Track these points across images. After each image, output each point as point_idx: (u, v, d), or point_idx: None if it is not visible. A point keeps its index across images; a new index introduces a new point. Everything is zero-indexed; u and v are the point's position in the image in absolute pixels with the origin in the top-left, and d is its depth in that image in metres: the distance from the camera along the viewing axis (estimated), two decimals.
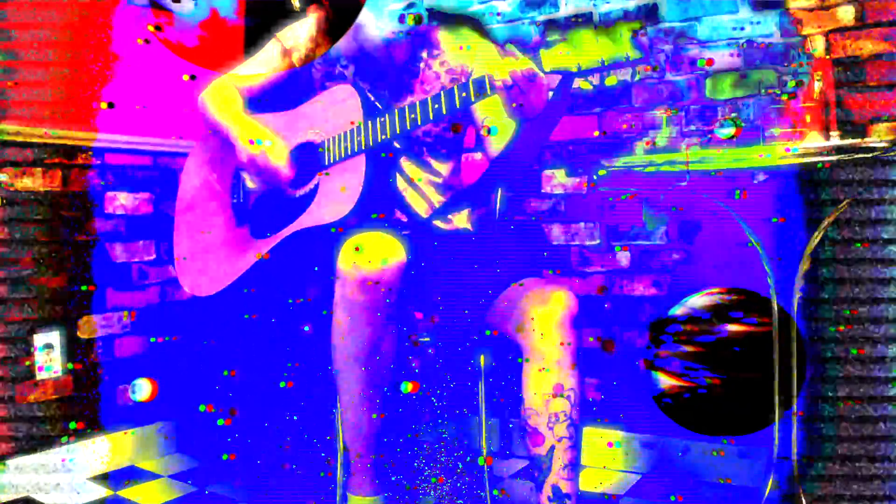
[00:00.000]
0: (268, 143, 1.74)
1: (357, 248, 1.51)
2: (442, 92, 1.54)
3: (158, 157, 2.46)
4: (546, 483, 1.47)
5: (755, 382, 1.72)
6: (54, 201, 2.19)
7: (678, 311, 1.79)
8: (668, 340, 1.76)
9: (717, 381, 1.72)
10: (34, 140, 2.13)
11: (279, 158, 1.73)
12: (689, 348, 1.75)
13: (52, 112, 2.16)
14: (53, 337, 2.18)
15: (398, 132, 1.60)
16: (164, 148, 2.45)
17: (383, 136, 1.61)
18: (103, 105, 2.23)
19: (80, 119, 2.23)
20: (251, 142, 1.79)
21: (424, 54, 1.82)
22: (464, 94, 1.51)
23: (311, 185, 1.72)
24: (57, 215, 2.20)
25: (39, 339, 2.15)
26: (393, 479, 1.73)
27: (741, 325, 1.74)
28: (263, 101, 1.86)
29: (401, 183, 1.78)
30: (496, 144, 1.77)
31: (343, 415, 1.62)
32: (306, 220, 1.68)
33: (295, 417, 1.99)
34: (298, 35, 1.86)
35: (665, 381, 1.75)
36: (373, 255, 1.50)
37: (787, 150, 1.54)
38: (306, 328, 1.72)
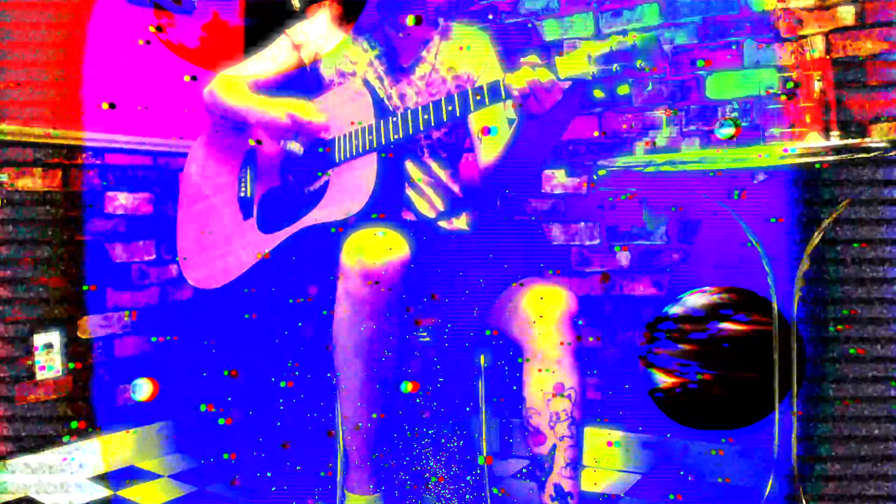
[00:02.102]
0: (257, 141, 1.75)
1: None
2: (456, 94, 1.55)
3: (158, 157, 2.46)
4: (548, 482, 1.47)
5: (747, 378, 1.72)
6: (54, 201, 2.19)
7: (673, 309, 1.79)
8: (662, 337, 1.77)
9: (708, 377, 1.72)
10: (34, 140, 2.13)
11: (311, 114, 1.73)
12: (683, 346, 1.75)
13: (53, 112, 2.16)
14: (53, 337, 2.18)
15: (410, 133, 1.60)
16: (164, 148, 2.45)
17: (396, 136, 1.61)
18: (105, 105, 2.23)
19: (80, 119, 2.23)
20: (254, 140, 1.80)
21: (432, 57, 1.82)
22: (478, 98, 1.52)
23: (320, 182, 1.72)
24: (57, 215, 2.20)
25: (39, 339, 2.15)
26: (392, 477, 1.73)
27: (733, 322, 1.75)
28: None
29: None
30: (489, 154, 1.77)
31: (343, 410, 1.62)
32: (317, 216, 1.68)
33: (298, 394, 1.98)
34: (308, 31, 1.86)
35: (660, 377, 1.75)
36: (377, 250, 1.49)
37: (786, 150, 1.55)
38: (307, 300, 1.71)
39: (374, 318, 1.51)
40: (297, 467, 2.01)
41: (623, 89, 1.45)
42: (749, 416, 1.72)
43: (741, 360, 1.72)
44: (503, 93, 1.49)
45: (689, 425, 1.77)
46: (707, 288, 1.80)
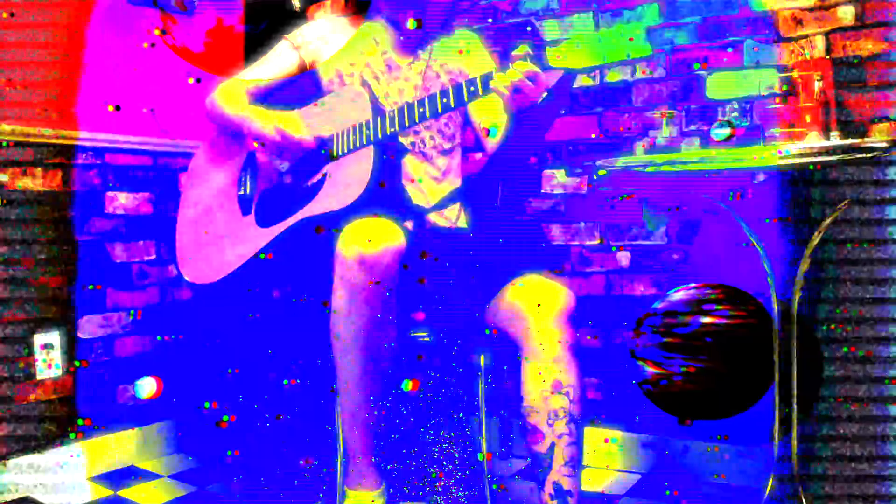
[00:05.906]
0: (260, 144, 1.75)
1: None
2: (451, 87, 1.56)
3: (158, 157, 2.47)
4: (547, 480, 1.47)
5: (729, 369, 1.74)
6: (54, 201, 2.20)
7: (660, 305, 1.81)
8: (648, 332, 1.78)
9: (692, 369, 1.74)
10: (34, 140, 2.14)
11: (299, 129, 1.73)
12: (668, 339, 1.77)
13: (54, 112, 2.16)
14: (53, 337, 2.18)
15: (406, 125, 1.61)
16: (164, 148, 2.45)
17: (392, 129, 1.62)
18: (110, 108, 2.24)
19: (80, 119, 2.23)
20: (256, 140, 1.80)
21: (426, 55, 1.84)
22: (472, 89, 1.53)
23: (317, 177, 1.73)
24: (57, 215, 2.20)
25: (39, 339, 2.15)
26: (392, 473, 1.73)
27: (713, 316, 1.76)
28: (269, 101, 1.86)
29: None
30: (493, 140, 1.79)
31: (342, 404, 1.62)
32: (314, 208, 1.68)
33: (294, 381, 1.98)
34: (306, 34, 1.87)
35: (647, 369, 1.77)
36: (373, 238, 1.49)
37: (780, 151, 1.55)
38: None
39: (371, 306, 1.50)
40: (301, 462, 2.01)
41: (613, 76, 1.45)
42: (734, 407, 1.73)
43: (723, 353, 1.74)
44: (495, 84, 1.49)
45: (678, 415, 1.79)
46: (692, 284, 1.82)
